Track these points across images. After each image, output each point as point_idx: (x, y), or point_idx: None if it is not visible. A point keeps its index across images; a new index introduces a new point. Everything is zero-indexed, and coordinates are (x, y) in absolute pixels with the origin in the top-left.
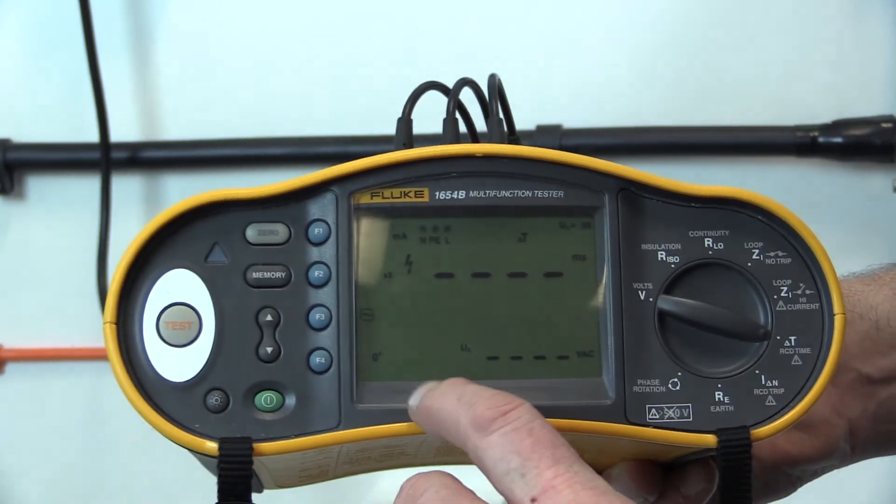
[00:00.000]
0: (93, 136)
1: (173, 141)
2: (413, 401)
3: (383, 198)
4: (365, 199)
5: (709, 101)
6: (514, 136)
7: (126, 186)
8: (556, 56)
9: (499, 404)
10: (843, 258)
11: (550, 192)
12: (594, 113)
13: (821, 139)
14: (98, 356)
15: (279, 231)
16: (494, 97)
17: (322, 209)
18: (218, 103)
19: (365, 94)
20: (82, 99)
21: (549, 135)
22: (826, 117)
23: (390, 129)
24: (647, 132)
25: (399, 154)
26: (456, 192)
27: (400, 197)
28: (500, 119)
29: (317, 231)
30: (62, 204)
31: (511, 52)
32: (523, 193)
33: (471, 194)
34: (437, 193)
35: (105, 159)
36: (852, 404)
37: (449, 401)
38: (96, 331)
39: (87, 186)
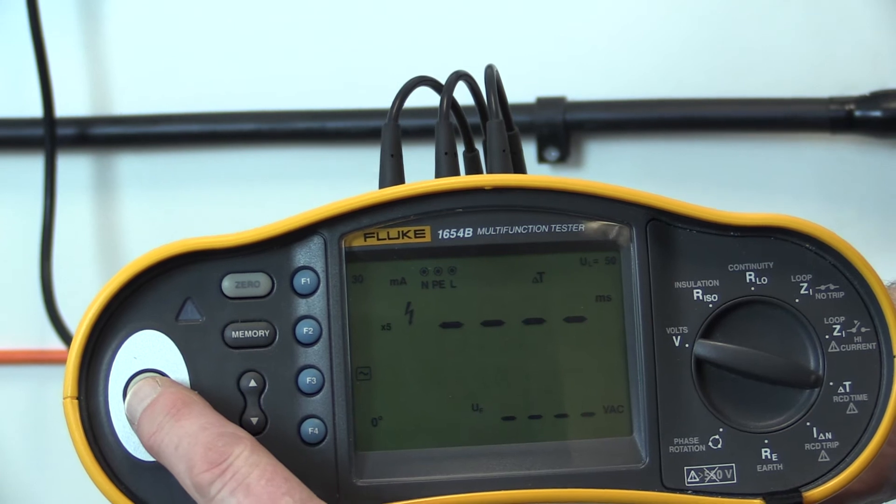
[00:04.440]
0: (36, 110)
1: (127, 116)
2: (129, 408)
3: (378, 239)
4: (358, 242)
5: (731, 70)
6: (512, 132)
7: (73, 167)
8: (558, 18)
9: (214, 460)
10: (884, 251)
11: (570, 225)
12: (602, 84)
13: (858, 113)
14: (41, 360)
15: (260, 282)
16: (493, 93)
17: (309, 255)
18: (177, 73)
19: (344, 62)
20: (24, 68)
21: (550, 108)
22: (864, 88)
23: (374, 102)
24: (661, 105)
25: (395, 190)
26: (462, 231)
27: (397, 238)
28: (501, 121)
29: (304, 281)
30: (1, 187)
31: (508, 11)
32: (539, 229)
33: (479, 232)
34: (441, 232)
35: (50, 136)
36: None
37: (169, 448)
38: (38, 331)
39: (29, 167)
